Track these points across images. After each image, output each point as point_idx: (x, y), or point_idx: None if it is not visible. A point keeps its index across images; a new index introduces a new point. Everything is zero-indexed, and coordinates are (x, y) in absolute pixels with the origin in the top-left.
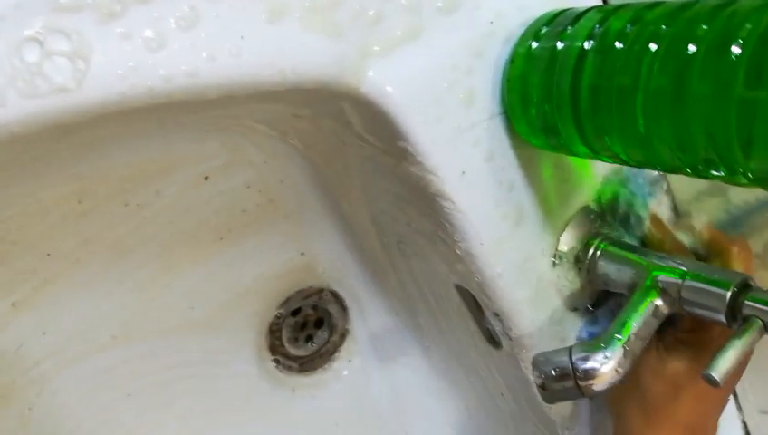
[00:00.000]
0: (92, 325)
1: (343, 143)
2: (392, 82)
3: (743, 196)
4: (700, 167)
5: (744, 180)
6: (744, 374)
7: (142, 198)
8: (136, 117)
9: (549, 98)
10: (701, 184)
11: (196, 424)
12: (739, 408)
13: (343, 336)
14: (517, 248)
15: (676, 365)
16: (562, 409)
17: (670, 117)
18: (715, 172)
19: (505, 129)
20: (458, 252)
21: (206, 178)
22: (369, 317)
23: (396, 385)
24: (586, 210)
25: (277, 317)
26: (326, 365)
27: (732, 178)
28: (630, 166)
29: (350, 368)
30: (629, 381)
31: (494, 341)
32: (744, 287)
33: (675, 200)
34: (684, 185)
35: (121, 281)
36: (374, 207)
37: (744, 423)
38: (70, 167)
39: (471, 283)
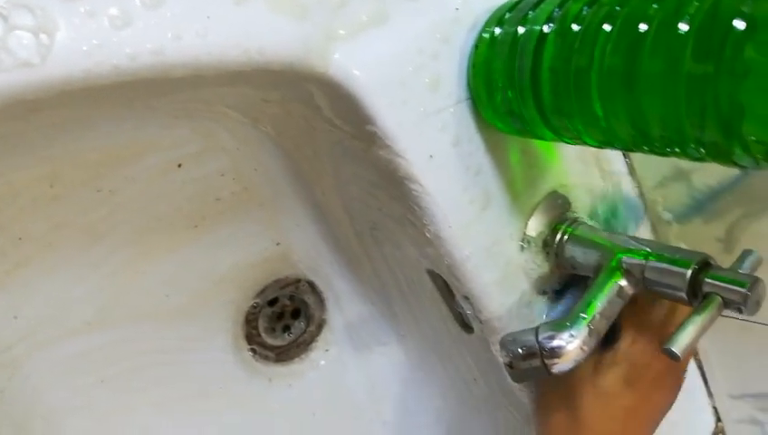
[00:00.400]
0: (65, 310)
1: (313, 128)
2: (358, 65)
3: (705, 180)
4: (656, 144)
5: (697, 155)
6: (714, 360)
7: (114, 183)
8: (103, 97)
9: (512, 83)
10: (665, 169)
11: (170, 411)
12: (710, 394)
13: (320, 326)
14: (485, 232)
15: (611, 381)
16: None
17: (624, 96)
18: (669, 149)
19: (472, 114)
20: (428, 235)
21: (179, 166)
22: (345, 307)
23: (372, 374)
24: (553, 195)
25: (254, 307)
26: (303, 355)
27: (686, 154)
28: (593, 147)
29: (327, 358)
30: (560, 390)
31: (465, 325)
32: (705, 266)
33: (641, 187)
34: (648, 171)
35: (95, 266)
36: (346, 193)
37: (715, 408)
38: (40, 149)
39: (441, 266)
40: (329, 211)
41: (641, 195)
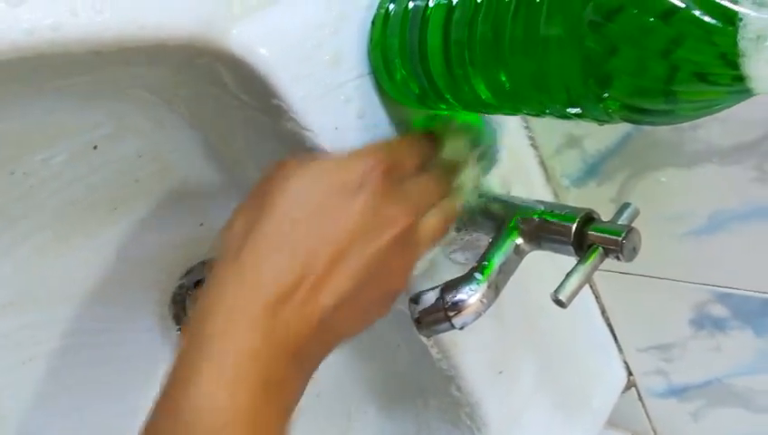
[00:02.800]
0: None
1: (225, 107)
2: (259, 40)
3: (595, 145)
4: (530, 108)
5: (604, 117)
6: (620, 317)
7: (29, 166)
8: (6, 75)
9: (405, 58)
10: (560, 138)
11: (97, 392)
12: (620, 349)
13: None
14: None
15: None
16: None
17: (496, 65)
18: (572, 110)
19: (375, 88)
20: None
21: (94, 148)
22: None
23: None
24: None
25: (180, 288)
26: None
27: (591, 115)
28: (494, 114)
29: None
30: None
31: None
32: (588, 220)
33: (542, 157)
34: (546, 140)
35: (12, 248)
36: (262, 169)
37: (626, 362)
38: None
39: None
40: (249, 188)
41: (541, 163)
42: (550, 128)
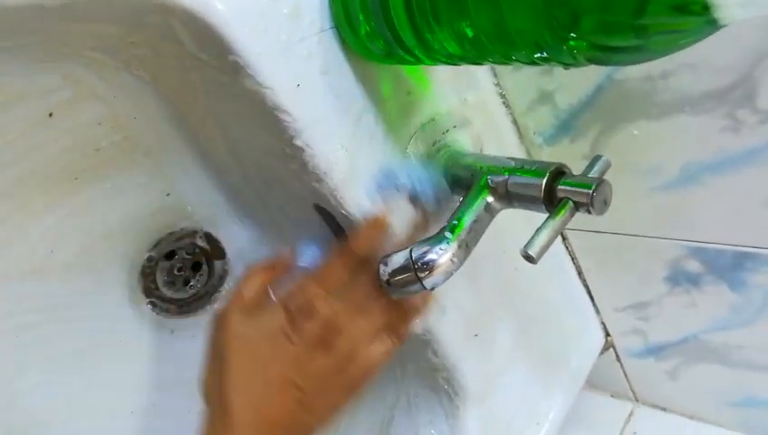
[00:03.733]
0: None
1: (186, 68)
2: None
3: (566, 100)
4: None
5: (570, 60)
6: (595, 277)
7: None
8: None
9: (368, 13)
10: (531, 94)
11: (67, 365)
12: (597, 310)
13: (222, 278)
14: (364, 161)
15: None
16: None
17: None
18: (538, 55)
19: (338, 43)
20: (308, 168)
21: (50, 115)
22: (247, 256)
23: None
24: (430, 124)
25: (149, 260)
26: (207, 306)
27: (558, 59)
28: (460, 65)
29: None
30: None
31: None
32: (559, 174)
33: (513, 114)
34: (517, 97)
35: None
36: (228, 135)
37: (603, 323)
38: None
39: (325, 199)
40: (216, 157)
41: (514, 121)
42: (521, 84)
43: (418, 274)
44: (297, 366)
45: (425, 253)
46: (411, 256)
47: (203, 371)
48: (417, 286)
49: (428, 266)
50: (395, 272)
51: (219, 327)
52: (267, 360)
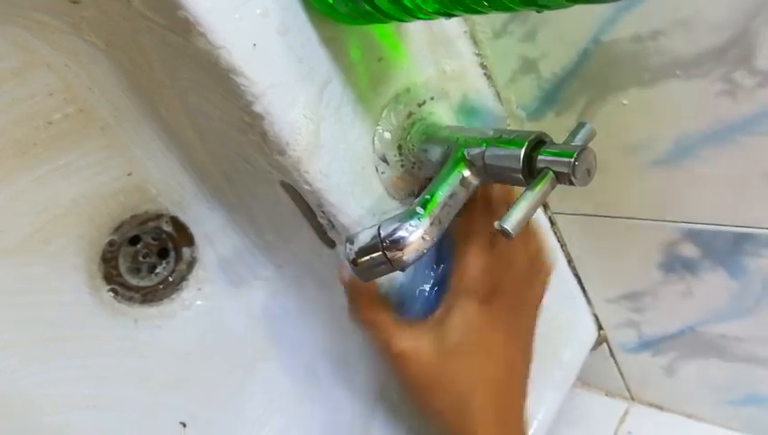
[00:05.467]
0: None
1: (137, 30)
2: None
3: (551, 67)
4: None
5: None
6: (587, 267)
7: None
8: None
9: None
10: (514, 64)
11: (19, 356)
12: (588, 302)
13: (191, 264)
14: (331, 132)
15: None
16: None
17: None
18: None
19: (299, 1)
20: (270, 139)
21: None
22: (216, 241)
23: (252, 309)
24: (405, 94)
25: (110, 244)
26: (173, 295)
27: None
28: (427, 19)
29: (201, 296)
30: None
31: (328, 240)
32: (539, 143)
33: (496, 87)
34: (499, 67)
35: None
36: (188, 106)
37: (595, 316)
38: None
39: (290, 174)
40: (178, 132)
41: (497, 94)
42: (502, 52)
43: (387, 252)
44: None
45: (394, 230)
46: (379, 234)
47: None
48: (385, 267)
49: (398, 245)
50: (362, 251)
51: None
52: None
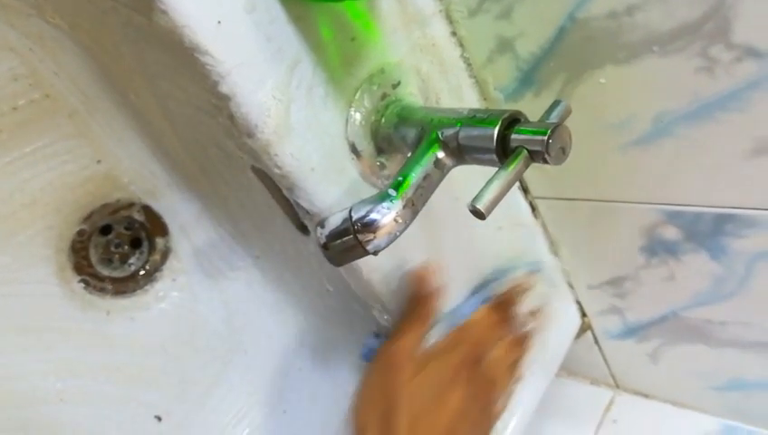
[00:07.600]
0: None
1: (101, 11)
2: None
3: (528, 47)
4: None
5: None
6: (569, 252)
7: None
8: None
9: None
10: (491, 44)
11: None
12: (571, 287)
13: (165, 255)
14: (302, 114)
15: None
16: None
17: None
18: None
19: None
20: (239, 120)
21: None
22: (191, 232)
23: (229, 301)
24: (378, 75)
25: (80, 234)
26: (147, 286)
27: None
28: None
29: (176, 287)
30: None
31: (302, 226)
32: (513, 122)
33: (472, 68)
34: (476, 46)
35: None
36: (158, 90)
37: (579, 303)
38: None
39: (261, 158)
40: (149, 118)
41: (473, 76)
42: (478, 31)
43: (359, 236)
44: (460, 415)
45: (366, 213)
46: (351, 217)
47: (359, 401)
48: (357, 251)
49: (370, 228)
50: (332, 235)
51: (392, 371)
52: (433, 407)
